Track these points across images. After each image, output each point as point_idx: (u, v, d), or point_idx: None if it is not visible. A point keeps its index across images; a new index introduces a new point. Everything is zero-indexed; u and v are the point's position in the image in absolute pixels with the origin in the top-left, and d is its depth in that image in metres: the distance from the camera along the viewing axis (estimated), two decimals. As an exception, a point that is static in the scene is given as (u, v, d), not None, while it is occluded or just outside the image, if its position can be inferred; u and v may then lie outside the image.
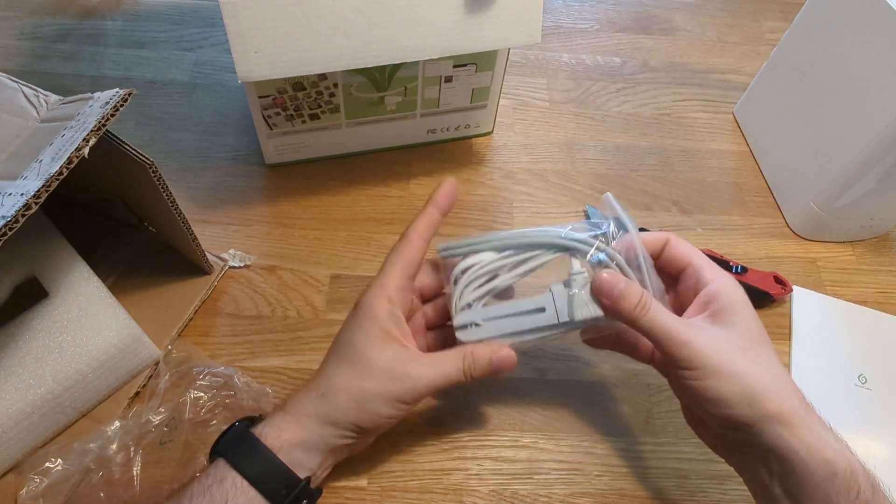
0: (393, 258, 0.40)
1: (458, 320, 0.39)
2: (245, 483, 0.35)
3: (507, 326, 0.39)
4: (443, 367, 0.38)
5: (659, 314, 0.37)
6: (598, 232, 0.40)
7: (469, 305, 0.40)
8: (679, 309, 0.41)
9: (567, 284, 0.39)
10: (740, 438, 0.37)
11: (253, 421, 0.39)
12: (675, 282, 0.43)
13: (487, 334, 0.39)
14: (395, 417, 0.38)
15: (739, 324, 0.37)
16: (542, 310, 0.39)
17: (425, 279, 0.43)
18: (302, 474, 0.36)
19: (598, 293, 0.38)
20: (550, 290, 0.39)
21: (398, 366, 0.37)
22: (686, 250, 0.41)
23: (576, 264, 0.39)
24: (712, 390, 0.35)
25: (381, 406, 0.37)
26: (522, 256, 0.40)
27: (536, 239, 0.40)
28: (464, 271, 0.40)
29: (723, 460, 0.46)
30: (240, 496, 0.34)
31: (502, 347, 0.39)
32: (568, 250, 0.40)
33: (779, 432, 0.34)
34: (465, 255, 0.40)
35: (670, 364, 0.37)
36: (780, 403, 0.34)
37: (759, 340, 0.37)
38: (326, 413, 0.37)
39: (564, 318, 0.39)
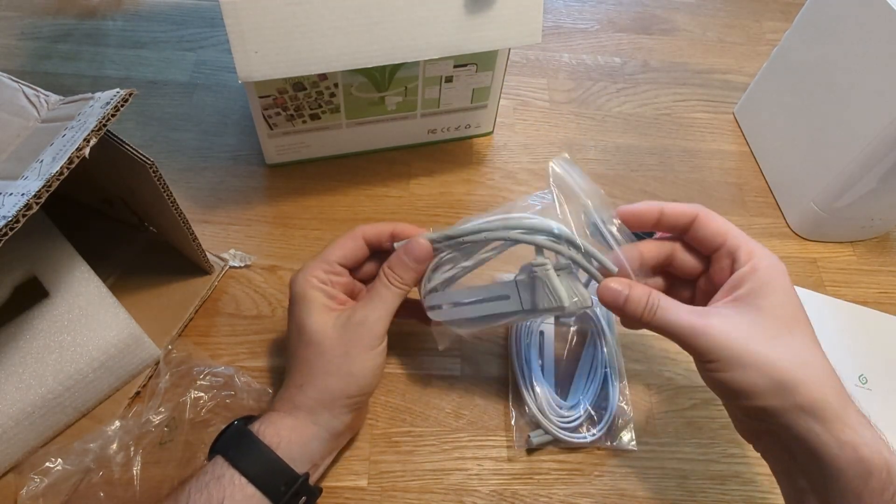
0: (333, 245, 0.42)
1: (427, 301, 0.42)
2: (243, 480, 0.35)
3: (472, 311, 0.41)
4: (373, 294, 0.40)
5: (669, 311, 0.35)
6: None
7: (435, 289, 0.41)
8: (710, 294, 0.37)
9: (530, 273, 0.38)
10: (766, 428, 0.35)
11: (251, 420, 0.39)
12: (706, 262, 0.39)
13: (455, 316, 0.41)
14: (378, 367, 0.39)
15: (767, 307, 0.34)
16: (507, 297, 0.40)
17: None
18: (302, 469, 0.37)
19: (602, 302, 0.37)
20: (515, 281, 0.39)
21: (347, 322, 0.39)
22: (719, 227, 0.37)
23: (541, 254, 0.38)
24: (735, 381, 0.33)
25: (354, 364, 0.38)
26: (486, 248, 0.40)
27: (503, 234, 0.39)
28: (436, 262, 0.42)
29: (723, 461, 0.46)
30: (237, 493, 0.34)
31: (410, 240, 0.40)
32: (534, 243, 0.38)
33: (809, 425, 0.32)
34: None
35: (692, 356, 0.35)
36: (811, 394, 0.32)
37: (792, 324, 0.34)
38: (314, 400, 0.38)
39: (528, 306, 0.39)
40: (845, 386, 0.33)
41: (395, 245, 0.42)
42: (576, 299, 0.37)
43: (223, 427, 0.38)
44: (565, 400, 0.46)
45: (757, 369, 0.32)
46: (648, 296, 0.36)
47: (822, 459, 0.31)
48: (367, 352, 0.38)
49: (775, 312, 0.34)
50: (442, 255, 0.41)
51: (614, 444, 0.46)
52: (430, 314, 0.42)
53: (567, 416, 0.45)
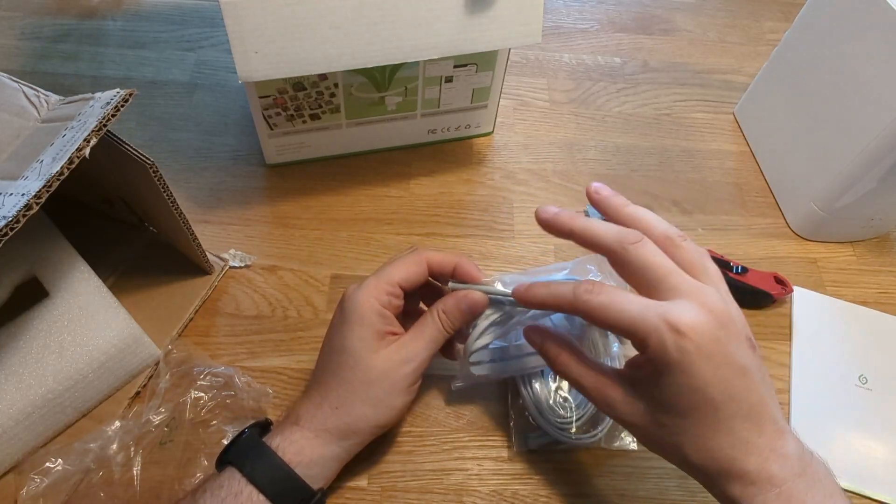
0: (398, 266, 0.40)
1: (473, 358, 0.42)
2: (262, 498, 0.35)
3: (520, 361, 0.44)
4: (425, 334, 0.39)
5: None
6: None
7: (485, 346, 0.42)
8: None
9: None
10: None
11: (264, 428, 0.39)
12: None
13: (502, 368, 0.44)
14: (411, 402, 0.40)
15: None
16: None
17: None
18: (317, 485, 0.37)
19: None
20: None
21: (394, 357, 0.38)
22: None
23: None
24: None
25: (396, 398, 0.39)
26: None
27: None
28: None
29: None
30: None
31: (469, 293, 0.40)
32: None
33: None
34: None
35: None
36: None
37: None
38: (347, 425, 0.38)
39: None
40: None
41: (451, 285, 0.41)
42: None
43: (227, 429, 0.38)
44: (565, 400, 0.46)
45: None
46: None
47: None
48: (409, 387, 0.39)
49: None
50: (493, 311, 0.41)
51: (614, 444, 0.46)
52: (472, 369, 0.43)
53: (567, 417, 0.45)
